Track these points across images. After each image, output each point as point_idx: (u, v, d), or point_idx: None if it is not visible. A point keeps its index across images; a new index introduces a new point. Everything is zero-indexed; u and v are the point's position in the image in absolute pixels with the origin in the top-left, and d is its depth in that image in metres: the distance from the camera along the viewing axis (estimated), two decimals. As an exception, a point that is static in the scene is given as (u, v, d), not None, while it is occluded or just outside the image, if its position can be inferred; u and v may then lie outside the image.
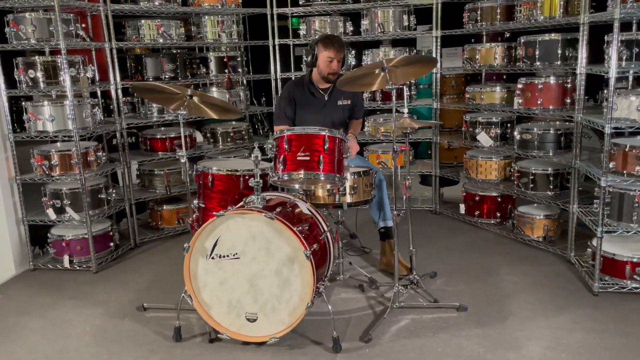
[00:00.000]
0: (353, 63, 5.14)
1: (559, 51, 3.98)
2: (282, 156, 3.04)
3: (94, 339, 3.16)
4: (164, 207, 4.82)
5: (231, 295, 2.94)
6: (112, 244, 4.34)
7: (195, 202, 3.43)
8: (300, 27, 5.18)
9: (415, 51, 5.59)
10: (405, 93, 3.43)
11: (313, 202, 3.37)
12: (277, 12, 5.12)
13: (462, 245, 4.37)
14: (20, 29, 3.89)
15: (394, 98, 3.14)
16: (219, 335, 2.99)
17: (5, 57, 3.97)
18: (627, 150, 3.31)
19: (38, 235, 4.30)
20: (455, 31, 4.81)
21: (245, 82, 5.39)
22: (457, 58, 5.53)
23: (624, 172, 3.33)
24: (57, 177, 4.05)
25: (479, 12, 4.56)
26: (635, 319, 3.15)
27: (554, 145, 4.11)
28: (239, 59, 5.14)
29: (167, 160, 4.76)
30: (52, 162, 4.01)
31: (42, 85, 4.00)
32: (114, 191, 4.42)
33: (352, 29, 5.14)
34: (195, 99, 3.32)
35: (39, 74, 3.98)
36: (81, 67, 4.11)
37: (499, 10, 4.45)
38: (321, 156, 2.99)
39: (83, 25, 4.19)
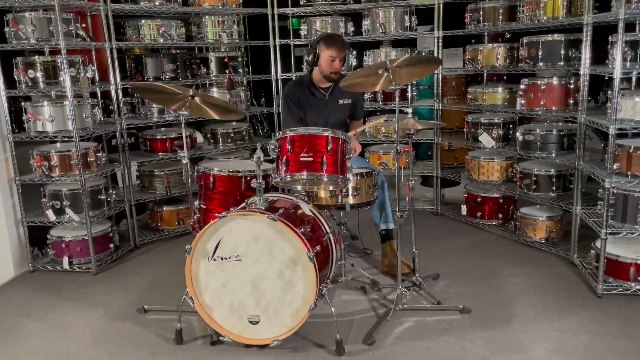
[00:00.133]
0: (354, 63, 5.13)
1: (562, 52, 3.96)
2: (284, 157, 3.01)
3: (94, 341, 3.13)
4: (164, 208, 4.79)
5: (233, 298, 2.91)
6: (112, 245, 4.31)
7: (197, 203, 3.40)
8: (301, 27, 5.16)
9: (416, 52, 5.58)
10: (409, 93, 3.40)
11: (315, 203, 3.35)
12: (277, 12, 5.09)
13: (464, 247, 4.35)
14: (20, 28, 3.86)
15: (397, 98, 3.12)
16: (220, 338, 2.97)
17: (5, 57, 3.94)
18: (631, 151, 3.29)
19: (37, 237, 4.27)
20: (457, 32, 4.79)
21: (245, 82, 5.37)
22: (458, 59, 5.52)
23: (628, 173, 3.31)
24: (57, 178, 4.02)
25: (481, 13, 4.54)
26: (640, 321, 3.14)
27: (557, 146, 4.09)
28: (239, 60, 5.12)
29: (167, 161, 4.73)
30: (52, 163, 3.98)
31: (41, 85, 3.97)
32: (113, 192, 4.39)
33: (353, 29, 5.13)
34: (196, 99, 3.30)
35: (39, 74, 3.95)
36: (81, 67, 4.08)
37: (501, 11, 4.44)
38: (324, 157, 2.96)
39: (83, 25, 4.16)
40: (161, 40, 4.61)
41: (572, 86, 4.01)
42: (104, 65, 4.49)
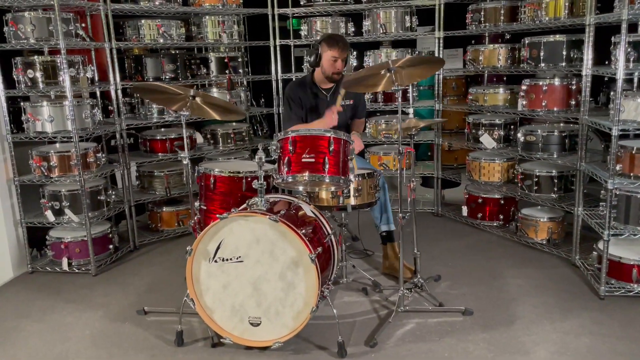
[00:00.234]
0: (355, 64, 5.11)
1: (564, 52, 3.95)
2: (286, 158, 2.99)
3: (94, 343, 3.10)
4: (164, 209, 4.77)
5: (234, 299, 2.89)
6: (111, 246, 4.29)
7: (197, 204, 3.39)
8: (302, 27, 5.14)
9: (417, 52, 5.57)
10: (411, 94, 3.39)
11: (316, 204, 3.33)
12: (278, 12, 5.07)
13: (465, 248, 4.34)
14: (19, 28, 3.84)
15: (399, 99, 3.10)
16: (221, 340, 2.94)
17: (4, 57, 3.91)
18: (634, 152, 3.28)
19: (36, 238, 4.24)
20: (458, 32, 4.78)
21: (245, 83, 5.35)
22: (457, 59, 5.51)
23: (631, 174, 3.30)
24: (56, 179, 4.00)
25: (482, 13, 4.53)
26: (643, 323, 3.12)
27: (559, 147, 4.08)
28: (239, 60, 5.10)
29: (166, 162, 4.71)
30: (51, 164, 3.96)
31: (41, 85, 3.94)
32: (113, 193, 4.36)
33: (353, 29, 5.11)
34: (197, 99, 3.28)
35: (38, 74, 3.92)
36: (81, 67, 4.06)
37: (502, 11, 4.42)
38: (326, 158, 2.94)
39: (82, 24, 4.15)
40: (161, 41, 4.59)
41: (573, 87, 3.99)
42: (103, 66, 4.47)
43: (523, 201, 4.45)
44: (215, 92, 4.93)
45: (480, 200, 4.68)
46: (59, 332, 3.26)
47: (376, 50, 5.10)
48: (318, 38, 4.02)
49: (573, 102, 4.00)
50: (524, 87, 4.18)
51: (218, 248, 2.86)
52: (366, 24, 4.99)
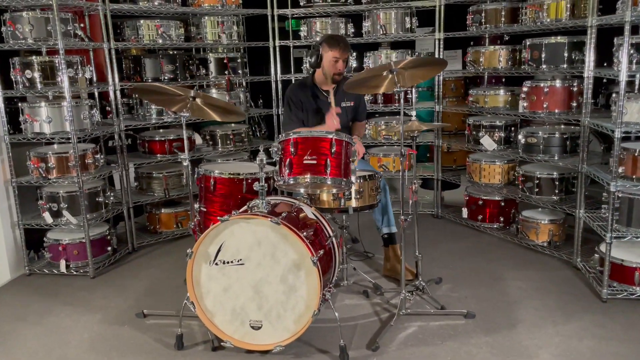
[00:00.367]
0: (355, 65, 5.09)
1: (565, 54, 3.93)
2: (287, 160, 2.97)
3: (93, 347, 3.07)
4: (162, 211, 4.73)
5: (235, 302, 2.86)
6: (109, 248, 4.25)
7: (197, 205, 3.36)
8: (301, 28, 5.12)
9: (416, 53, 5.55)
10: (413, 95, 3.37)
11: (317, 206, 3.30)
12: (277, 13, 5.05)
13: (466, 250, 4.32)
14: (17, 28, 3.80)
15: (402, 101, 3.08)
16: (222, 344, 2.91)
17: (2, 57, 3.88)
18: (636, 154, 3.27)
19: (34, 239, 4.21)
20: (458, 33, 4.77)
21: (244, 83, 5.32)
22: (457, 61, 5.50)
23: (634, 177, 3.29)
24: (54, 180, 3.95)
25: (483, 15, 4.52)
26: (646, 326, 3.11)
27: (560, 149, 4.07)
28: (239, 61, 5.07)
29: (165, 163, 4.68)
30: (49, 165, 3.92)
31: (39, 85, 3.90)
32: (111, 194, 4.33)
33: (353, 30, 5.09)
34: (198, 100, 3.25)
35: (36, 75, 3.88)
36: (79, 67, 4.02)
37: (503, 13, 4.41)
38: (328, 160, 2.92)
39: (81, 25, 4.11)
40: (160, 41, 4.56)
41: (575, 89, 3.98)
42: (101, 66, 4.44)
43: (524, 203, 4.43)
44: (214, 93, 4.90)
45: (480, 202, 4.67)
46: (57, 335, 3.22)
47: (376, 51, 5.08)
48: (318, 39, 3.99)
49: (574, 104, 3.99)
50: (525, 89, 4.17)
51: (219, 250, 2.83)
52: (366, 25, 4.97)
